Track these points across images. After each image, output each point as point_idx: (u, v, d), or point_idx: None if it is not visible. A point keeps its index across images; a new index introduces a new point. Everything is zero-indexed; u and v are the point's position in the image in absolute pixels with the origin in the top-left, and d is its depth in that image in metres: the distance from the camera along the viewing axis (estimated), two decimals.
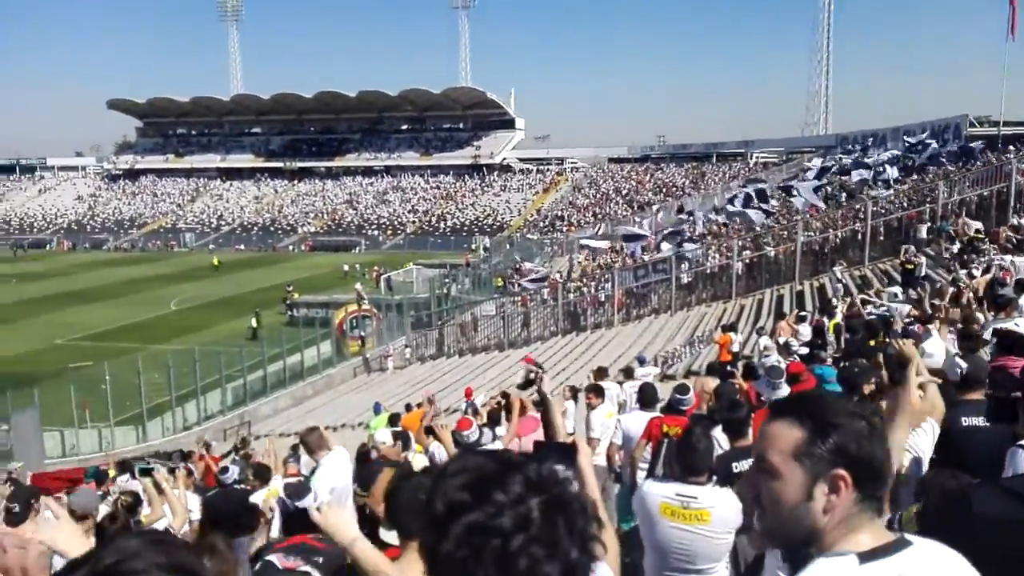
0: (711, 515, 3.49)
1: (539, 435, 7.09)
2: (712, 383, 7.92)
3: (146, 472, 6.85)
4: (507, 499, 1.04)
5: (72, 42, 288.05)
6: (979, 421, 3.45)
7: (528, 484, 1.07)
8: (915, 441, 3.42)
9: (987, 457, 2.92)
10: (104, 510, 5.86)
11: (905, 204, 25.00)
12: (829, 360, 9.04)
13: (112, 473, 9.88)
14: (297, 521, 5.11)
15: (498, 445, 6.08)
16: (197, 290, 48.43)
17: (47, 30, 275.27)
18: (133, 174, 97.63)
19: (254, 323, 34.94)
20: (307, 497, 5.08)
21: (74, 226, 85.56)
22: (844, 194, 31.03)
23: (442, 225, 74.91)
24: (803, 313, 16.55)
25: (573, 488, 1.10)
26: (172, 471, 8.52)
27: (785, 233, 25.92)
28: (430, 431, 7.18)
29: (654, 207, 51.40)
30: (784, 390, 6.00)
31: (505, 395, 10.14)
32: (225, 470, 7.89)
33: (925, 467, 3.36)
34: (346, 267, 55.52)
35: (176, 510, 5.55)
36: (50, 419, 21.55)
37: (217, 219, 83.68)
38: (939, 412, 3.73)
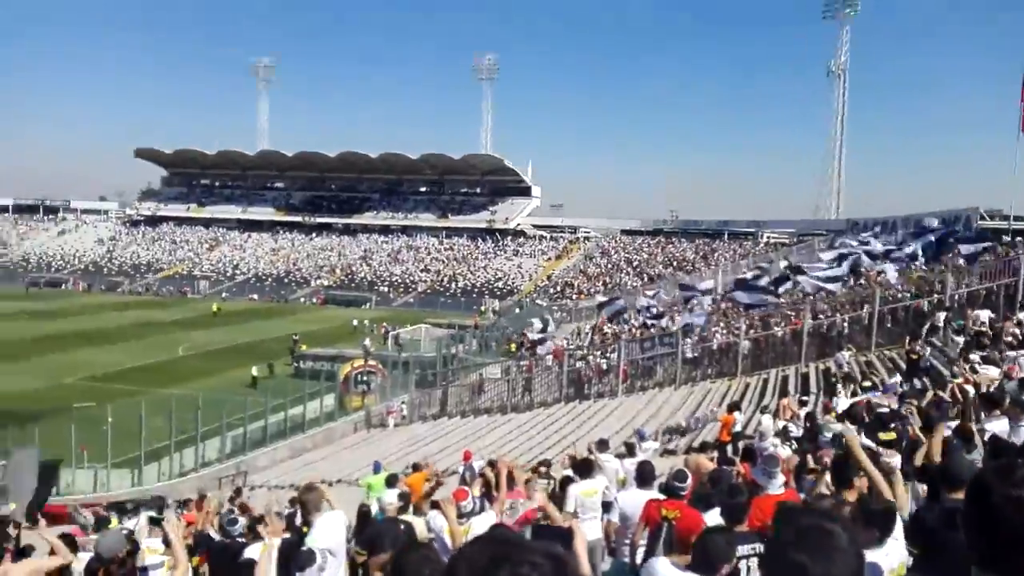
0: None
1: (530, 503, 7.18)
2: (708, 464, 7.96)
3: (156, 522, 6.89)
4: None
5: (104, 89, 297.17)
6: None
7: (533, 565, 1.18)
8: (875, 558, 3.48)
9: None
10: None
11: (912, 292, 25.10)
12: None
13: (114, 522, 9.90)
14: None
15: (491, 515, 6.14)
16: (207, 337, 48.75)
17: (80, 76, 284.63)
18: (154, 220, 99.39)
19: (255, 372, 35.12)
20: (311, 568, 5.11)
21: (91, 267, 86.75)
22: (854, 278, 31.16)
23: (453, 286, 75.46)
24: (804, 398, 16.57)
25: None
26: (158, 519, 8.55)
27: (793, 314, 26.02)
28: (435, 505, 7.22)
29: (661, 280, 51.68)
30: (779, 479, 6.06)
31: (492, 463, 10.20)
32: (234, 521, 7.95)
33: None
34: (355, 322, 55.82)
35: (180, 562, 5.60)
36: (47, 457, 21.54)
37: (233, 268, 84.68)
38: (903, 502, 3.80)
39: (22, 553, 6.31)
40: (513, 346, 39.38)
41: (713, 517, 5.09)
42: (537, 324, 40.67)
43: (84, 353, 41.74)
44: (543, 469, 11.81)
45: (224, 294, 76.15)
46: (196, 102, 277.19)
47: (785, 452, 9.27)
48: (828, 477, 5.97)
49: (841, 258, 33.68)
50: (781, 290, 30.70)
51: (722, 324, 27.99)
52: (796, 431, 11.87)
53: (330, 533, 5.68)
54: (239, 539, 7.54)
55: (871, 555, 3.37)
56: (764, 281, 32.05)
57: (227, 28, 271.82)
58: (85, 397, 30.63)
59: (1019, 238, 32.64)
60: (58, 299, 68.39)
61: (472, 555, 1.23)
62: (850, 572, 1.52)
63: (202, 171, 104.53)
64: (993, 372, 12.15)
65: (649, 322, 32.38)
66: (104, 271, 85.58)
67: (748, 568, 4.21)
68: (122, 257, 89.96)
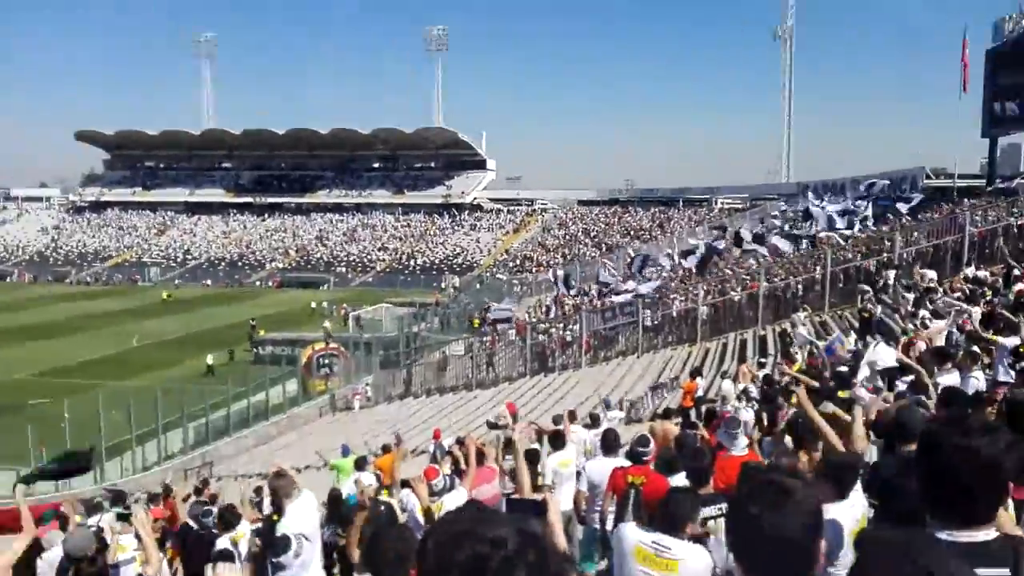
0: (679, 567, 3.61)
1: (494, 486, 7.26)
2: (674, 430, 8.13)
3: (123, 518, 6.84)
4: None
5: (39, 72, 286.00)
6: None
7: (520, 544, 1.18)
8: (838, 513, 3.54)
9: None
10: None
11: (864, 251, 25.73)
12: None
13: (78, 519, 9.78)
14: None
15: (462, 492, 6.19)
16: (160, 326, 47.73)
17: (13, 57, 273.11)
18: (99, 206, 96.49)
19: (210, 360, 34.63)
20: (287, 555, 5.14)
21: (36, 258, 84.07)
22: (806, 242, 31.80)
23: (412, 263, 75.00)
24: (763, 360, 16.94)
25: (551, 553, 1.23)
26: (126, 514, 8.45)
27: (748, 279, 26.49)
28: (406, 484, 7.29)
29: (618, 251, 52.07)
30: (742, 440, 6.23)
31: (460, 440, 10.26)
32: (208, 512, 7.91)
33: (847, 540, 3.37)
34: (314, 304, 55.22)
35: (151, 556, 5.55)
36: (3, 456, 21.08)
37: (184, 254, 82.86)
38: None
39: None
40: (476, 322, 39.42)
41: (679, 481, 5.19)
42: (497, 307, 40.69)
43: (34, 347, 40.61)
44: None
45: (176, 281, 74.49)
46: (137, 81, 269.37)
47: (747, 414, 9.49)
48: (787, 438, 6.14)
49: (808, 216, 34.14)
50: (737, 253, 31.21)
51: (680, 292, 28.38)
52: (756, 393, 12.14)
53: (303, 518, 5.71)
54: (213, 530, 7.53)
55: (834, 510, 3.44)
56: (722, 244, 32.46)
57: (167, 1, 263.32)
58: (39, 393, 29.86)
59: (964, 196, 33.65)
60: (3, 292, 66.22)
61: (439, 531, 1.23)
62: (804, 525, 1.57)
63: (146, 152, 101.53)
64: (940, 324, 12.57)
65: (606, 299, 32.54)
66: (50, 261, 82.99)
67: (715, 528, 4.29)
68: (68, 246, 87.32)
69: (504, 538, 1.16)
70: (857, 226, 29.53)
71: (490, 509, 1.33)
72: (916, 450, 1.89)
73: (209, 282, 73.79)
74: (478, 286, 54.04)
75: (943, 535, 1.75)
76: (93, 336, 44.20)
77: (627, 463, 6.40)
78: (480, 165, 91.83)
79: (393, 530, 3.12)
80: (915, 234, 24.94)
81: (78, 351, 39.69)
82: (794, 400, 6.60)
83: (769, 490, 1.62)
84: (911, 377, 7.54)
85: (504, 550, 1.15)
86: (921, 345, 10.78)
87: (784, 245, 29.78)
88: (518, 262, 69.36)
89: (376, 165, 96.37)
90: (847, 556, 3.13)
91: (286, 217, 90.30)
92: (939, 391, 6.54)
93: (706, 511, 4.32)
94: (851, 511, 3.69)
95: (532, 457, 8.70)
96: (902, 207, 31.04)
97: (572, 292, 36.80)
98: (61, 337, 43.73)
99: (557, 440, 8.99)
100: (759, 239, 31.92)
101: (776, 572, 1.58)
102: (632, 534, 3.81)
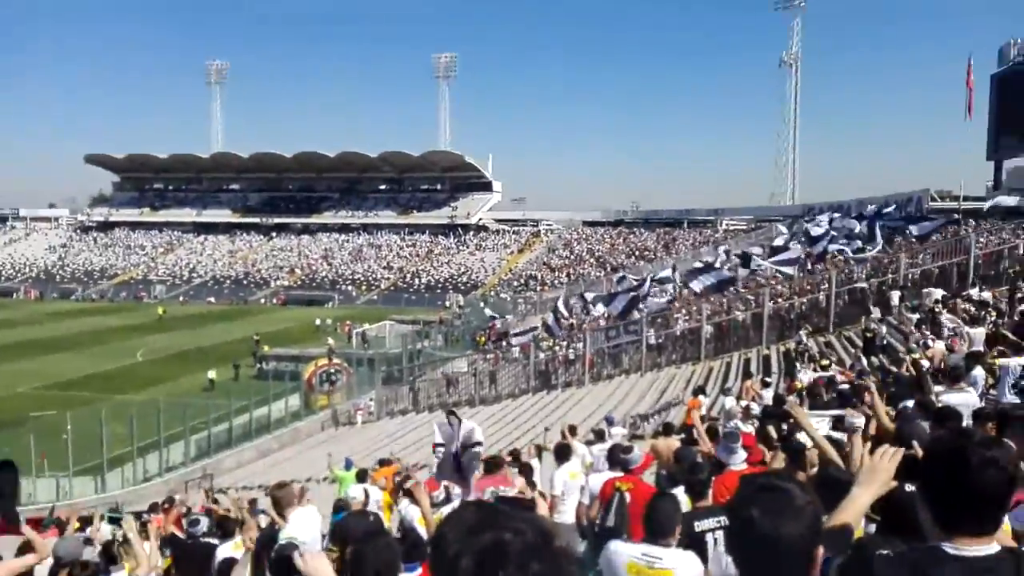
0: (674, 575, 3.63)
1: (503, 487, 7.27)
2: (676, 446, 8.13)
3: (114, 521, 6.84)
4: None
5: (52, 94, 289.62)
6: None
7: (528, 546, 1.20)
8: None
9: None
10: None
11: (868, 271, 25.72)
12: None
13: (76, 525, 9.84)
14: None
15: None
16: (164, 341, 47.81)
17: (26, 81, 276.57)
18: (106, 226, 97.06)
19: (212, 375, 34.65)
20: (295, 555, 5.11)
21: (43, 275, 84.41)
22: (810, 262, 31.81)
23: (416, 282, 75.13)
24: (767, 379, 16.91)
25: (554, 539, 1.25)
26: (144, 524, 8.46)
27: (753, 299, 26.49)
28: (407, 493, 7.30)
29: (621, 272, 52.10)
30: (740, 455, 6.20)
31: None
32: (195, 522, 7.88)
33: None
34: (318, 321, 55.28)
35: (140, 560, 5.55)
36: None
37: (189, 272, 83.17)
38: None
39: None
40: (482, 339, 39.43)
41: (678, 494, 5.19)
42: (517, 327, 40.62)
43: (40, 362, 40.66)
44: (510, 458, 11.90)
45: (181, 298, 74.72)
46: (148, 106, 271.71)
47: (747, 429, 9.49)
48: (781, 456, 6.11)
49: (795, 240, 34.28)
50: (742, 274, 31.17)
51: (684, 311, 28.37)
52: (757, 410, 12.09)
53: (305, 528, 5.70)
54: (203, 539, 7.48)
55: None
56: (723, 265, 32.48)
57: (180, 29, 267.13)
58: (44, 406, 29.88)
59: (969, 218, 33.67)
60: (10, 308, 66.49)
61: (460, 517, 1.26)
62: (803, 531, 1.58)
63: (155, 175, 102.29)
64: (941, 346, 12.56)
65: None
66: (56, 278, 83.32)
67: (715, 541, 4.25)
68: (74, 264, 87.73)
69: (524, 529, 1.20)
70: (870, 245, 29.37)
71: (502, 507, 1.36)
72: (935, 465, 1.88)
73: (212, 299, 73.98)
74: (482, 304, 54.02)
75: (950, 549, 1.75)
76: (98, 351, 44.29)
77: (621, 474, 6.43)
78: (486, 187, 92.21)
79: (379, 540, 3.10)
80: (920, 256, 24.96)
81: (83, 365, 39.76)
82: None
83: (769, 493, 1.64)
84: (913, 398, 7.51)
85: (525, 538, 1.18)
86: (925, 364, 10.78)
87: (795, 252, 29.66)
88: (522, 281, 69.46)
89: (382, 187, 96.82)
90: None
91: (292, 237, 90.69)
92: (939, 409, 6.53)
93: (705, 523, 4.30)
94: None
95: (526, 472, 8.77)
96: (914, 229, 30.89)
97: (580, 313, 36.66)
98: (66, 352, 43.79)
99: (563, 453, 9.01)
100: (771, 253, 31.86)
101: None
102: (622, 549, 3.81)
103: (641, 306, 28.92)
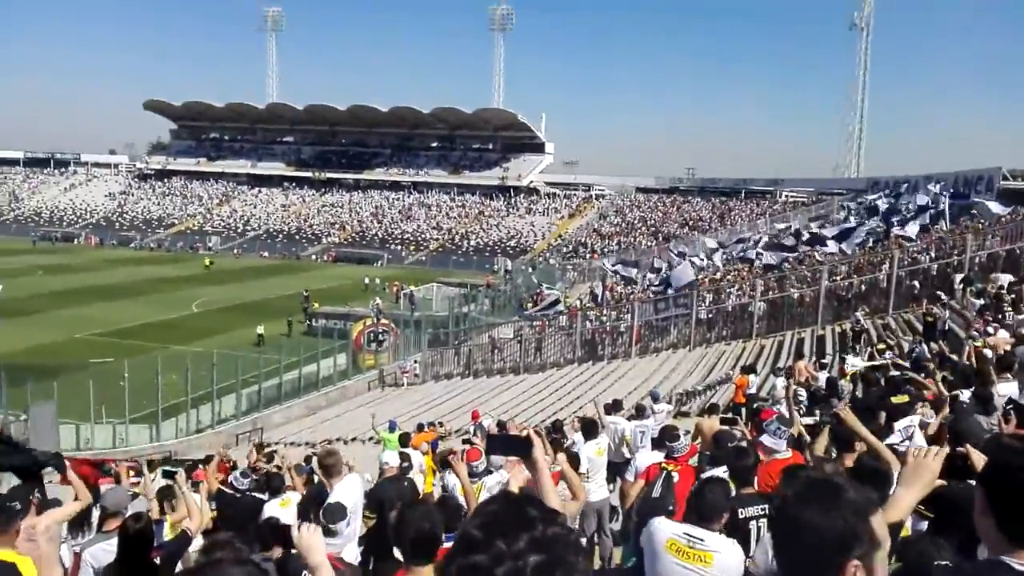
0: (714, 559, 3.53)
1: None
2: (717, 426, 7.92)
3: (169, 475, 7.01)
4: (508, 551, 1.14)
5: (112, 41, 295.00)
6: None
7: (532, 542, 1.15)
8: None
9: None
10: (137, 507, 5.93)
11: (933, 255, 24.75)
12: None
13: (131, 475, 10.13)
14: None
15: (502, 474, 6.14)
16: (219, 293, 48.97)
17: (88, 27, 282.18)
18: (164, 174, 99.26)
19: (260, 330, 35.29)
20: (341, 522, 5.24)
21: (103, 222, 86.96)
22: (872, 240, 30.76)
23: (465, 244, 75.25)
24: (824, 360, 16.41)
25: (575, 552, 1.19)
26: (172, 472, 8.61)
27: (809, 276, 25.75)
28: (446, 464, 7.30)
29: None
30: (783, 444, 5.87)
31: (501, 425, 10.19)
32: (244, 474, 8.00)
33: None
34: (367, 280, 55.91)
35: (192, 512, 5.61)
36: (66, 411, 21.83)
37: (244, 224, 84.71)
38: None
39: (47, 506, 6.35)
40: (529, 306, 39.36)
41: (719, 474, 5.02)
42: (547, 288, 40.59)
43: (99, 308, 42.02)
44: (555, 436, 11.81)
45: (235, 250, 76.31)
46: (205, 53, 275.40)
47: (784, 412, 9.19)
48: (826, 439, 5.92)
49: (858, 220, 33.18)
50: (801, 251, 30.33)
51: (736, 286, 27.75)
52: (804, 396, 11.65)
53: (348, 495, 5.83)
54: (249, 493, 7.55)
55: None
56: (790, 242, 31.63)
57: None
58: (101, 352, 30.89)
59: None
60: (71, 254, 68.73)
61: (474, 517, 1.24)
62: (850, 528, 1.53)
63: (211, 124, 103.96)
64: (1004, 335, 11.94)
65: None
66: (116, 226, 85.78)
67: (758, 528, 4.20)
68: (133, 212, 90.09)
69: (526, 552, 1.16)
70: (937, 224, 28.24)
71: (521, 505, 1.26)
72: (1005, 468, 1.73)
73: (266, 253, 75.35)
74: (530, 270, 53.83)
75: (1016, 564, 1.64)
76: (155, 299, 45.58)
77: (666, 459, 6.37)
78: (538, 148, 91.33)
79: (420, 508, 3.10)
80: (988, 239, 23.86)
81: (139, 314, 40.96)
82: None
83: (819, 489, 1.60)
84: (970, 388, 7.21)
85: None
86: (988, 352, 10.28)
87: (860, 235, 28.80)
88: (571, 248, 68.97)
89: (434, 144, 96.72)
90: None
91: (343, 192, 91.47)
92: (1003, 403, 6.23)
93: (750, 511, 4.24)
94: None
95: (570, 456, 8.69)
96: (992, 206, 29.26)
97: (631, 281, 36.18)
98: (124, 299, 45.17)
99: (590, 429, 8.96)
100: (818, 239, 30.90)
101: (818, 572, 1.55)
102: (664, 527, 3.75)
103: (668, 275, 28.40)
